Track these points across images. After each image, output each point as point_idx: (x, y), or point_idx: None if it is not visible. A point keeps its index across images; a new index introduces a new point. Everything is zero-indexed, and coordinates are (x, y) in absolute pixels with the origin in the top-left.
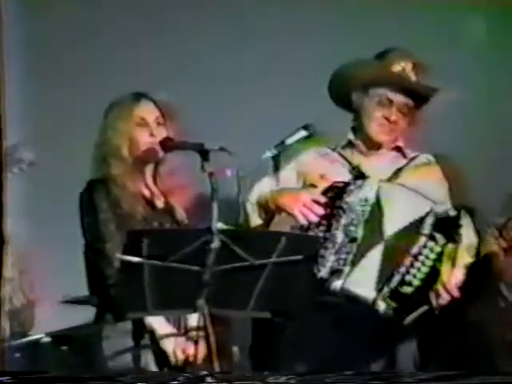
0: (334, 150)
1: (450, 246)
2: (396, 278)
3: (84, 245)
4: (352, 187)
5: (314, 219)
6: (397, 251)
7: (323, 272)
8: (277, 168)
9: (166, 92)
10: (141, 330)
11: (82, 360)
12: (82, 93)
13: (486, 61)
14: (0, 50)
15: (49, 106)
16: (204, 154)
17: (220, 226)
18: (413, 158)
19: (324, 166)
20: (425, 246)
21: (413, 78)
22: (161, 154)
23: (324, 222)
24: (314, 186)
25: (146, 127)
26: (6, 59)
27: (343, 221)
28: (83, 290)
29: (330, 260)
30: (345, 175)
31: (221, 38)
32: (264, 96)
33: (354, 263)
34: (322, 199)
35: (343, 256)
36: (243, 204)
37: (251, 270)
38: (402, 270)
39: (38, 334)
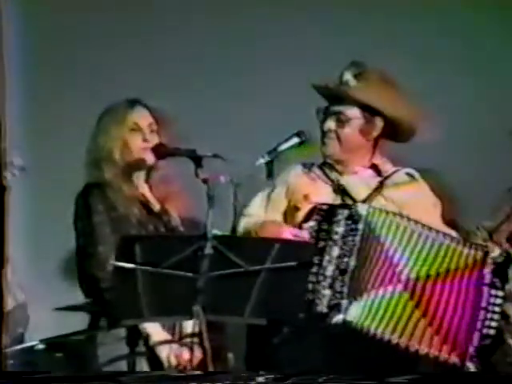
0: (313, 165)
1: (507, 286)
2: (476, 336)
3: (76, 248)
4: (340, 217)
5: None
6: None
7: (321, 307)
8: (270, 174)
9: (159, 99)
10: (136, 337)
11: (77, 367)
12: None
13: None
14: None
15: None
16: (197, 160)
17: (215, 232)
18: (388, 177)
19: (307, 183)
20: (490, 295)
21: (353, 84)
22: (152, 160)
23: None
24: (297, 208)
25: (139, 132)
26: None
27: (335, 252)
28: (77, 296)
29: (325, 294)
30: (329, 196)
31: (214, 46)
32: (258, 103)
33: (349, 295)
34: (304, 233)
35: (338, 289)
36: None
37: (246, 276)
38: (478, 325)
39: (32, 341)
